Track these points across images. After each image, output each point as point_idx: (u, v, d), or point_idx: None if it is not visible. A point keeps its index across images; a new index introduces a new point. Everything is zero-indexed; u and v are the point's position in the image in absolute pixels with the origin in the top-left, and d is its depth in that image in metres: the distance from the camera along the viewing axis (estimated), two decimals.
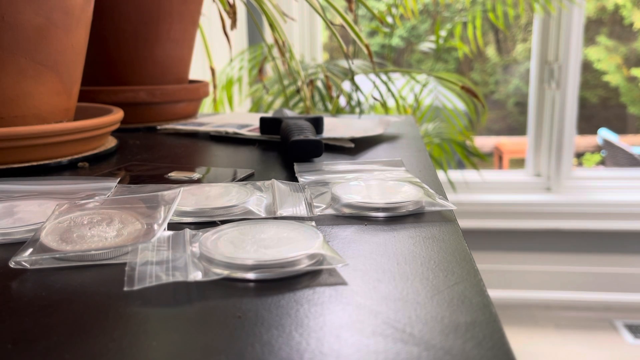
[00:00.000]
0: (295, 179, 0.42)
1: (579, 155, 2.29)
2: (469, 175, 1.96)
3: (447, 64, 2.19)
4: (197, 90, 0.75)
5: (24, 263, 0.27)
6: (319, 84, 1.39)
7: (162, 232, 0.30)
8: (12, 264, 0.27)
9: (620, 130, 2.24)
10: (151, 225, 0.30)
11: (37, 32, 0.47)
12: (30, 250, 0.28)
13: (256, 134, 0.61)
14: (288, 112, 0.66)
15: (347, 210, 0.35)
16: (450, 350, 0.20)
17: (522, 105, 2.18)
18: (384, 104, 1.04)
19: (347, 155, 0.53)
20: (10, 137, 0.45)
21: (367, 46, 0.66)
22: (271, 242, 0.28)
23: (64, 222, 0.31)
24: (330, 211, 0.35)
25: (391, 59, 1.77)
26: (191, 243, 0.28)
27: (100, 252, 0.28)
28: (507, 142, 2.37)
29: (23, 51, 0.46)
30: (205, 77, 1.14)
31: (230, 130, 0.63)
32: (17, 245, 0.31)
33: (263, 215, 0.34)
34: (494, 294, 1.91)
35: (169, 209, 0.32)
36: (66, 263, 0.28)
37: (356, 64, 1.40)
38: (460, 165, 2.05)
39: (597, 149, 2.31)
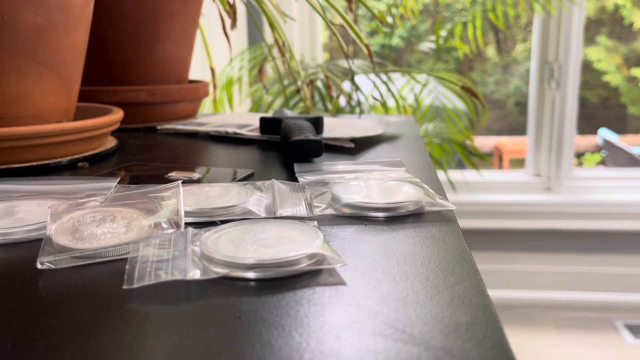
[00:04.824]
0: (295, 179, 0.42)
1: (579, 155, 2.29)
2: (469, 175, 1.96)
3: (447, 64, 2.19)
4: (197, 90, 0.75)
5: (48, 264, 0.27)
6: (319, 84, 1.39)
7: (165, 231, 0.30)
8: (39, 265, 0.27)
9: (620, 130, 2.24)
10: (156, 223, 0.30)
11: (37, 32, 0.47)
12: (50, 250, 0.28)
13: (256, 134, 0.61)
14: (288, 112, 0.66)
15: (347, 210, 0.35)
16: (450, 351, 0.20)
17: (522, 105, 2.18)
18: (384, 104, 1.04)
19: (347, 155, 0.53)
20: (10, 137, 0.45)
21: (367, 46, 0.66)
22: (271, 241, 0.28)
23: (68, 221, 0.31)
24: (330, 211, 0.35)
25: (391, 59, 1.77)
26: (192, 242, 0.28)
27: (102, 250, 0.28)
28: (507, 142, 2.37)
29: (23, 51, 0.46)
30: (205, 77, 1.14)
31: (230, 130, 0.63)
32: (18, 245, 0.31)
33: (263, 215, 0.34)
34: (494, 294, 1.91)
35: (177, 207, 0.32)
36: (82, 261, 0.28)
37: (356, 64, 1.40)
38: (460, 165, 2.04)
39: (597, 149, 2.31)
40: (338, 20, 0.65)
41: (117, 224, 0.30)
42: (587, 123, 2.19)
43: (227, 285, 0.25)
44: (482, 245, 1.98)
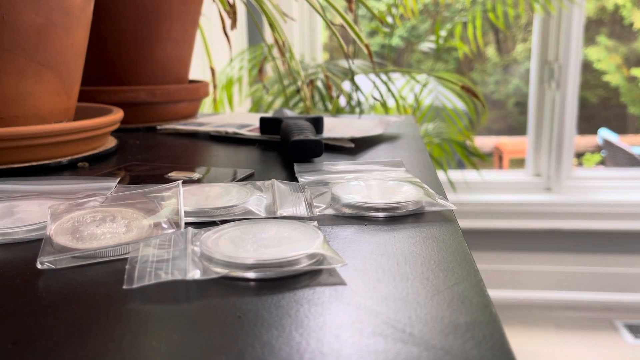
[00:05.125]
0: (295, 179, 0.42)
1: (579, 155, 2.29)
2: (469, 175, 1.96)
3: (447, 64, 2.19)
4: (197, 90, 0.75)
5: (48, 264, 0.27)
6: (319, 84, 1.39)
7: (165, 231, 0.30)
8: (39, 265, 0.27)
9: (620, 130, 2.24)
10: (156, 223, 0.30)
11: (37, 32, 0.47)
12: (51, 250, 0.28)
13: (256, 134, 0.61)
14: (288, 112, 0.66)
15: (347, 210, 0.35)
16: (450, 350, 0.20)
17: (522, 105, 2.18)
18: (384, 104, 1.04)
19: (347, 155, 0.53)
20: (10, 137, 0.45)
21: (367, 46, 0.66)
22: (272, 241, 0.28)
23: (68, 221, 0.31)
24: (330, 211, 0.35)
25: (391, 59, 1.77)
26: (192, 242, 0.28)
27: (102, 250, 0.28)
28: (507, 142, 2.37)
29: (23, 51, 0.46)
30: (206, 77, 1.14)
31: (230, 130, 0.63)
32: (18, 245, 0.31)
33: (263, 215, 0.34)
34: (494, 294, 1.91)
35: (177, 207, 0.32)
36: (82, 261, 0.28)
37: (356, 64, 1.40)
38: (460, 165, 2.04)
39: (597, 149, 2.31)
40: (338, 20, 0.65)
41: (117, 224, 0.30)
42: (587, 123, 2.19)
43: (227, 285, 0.25)
44: (482, 245, 1.98)
